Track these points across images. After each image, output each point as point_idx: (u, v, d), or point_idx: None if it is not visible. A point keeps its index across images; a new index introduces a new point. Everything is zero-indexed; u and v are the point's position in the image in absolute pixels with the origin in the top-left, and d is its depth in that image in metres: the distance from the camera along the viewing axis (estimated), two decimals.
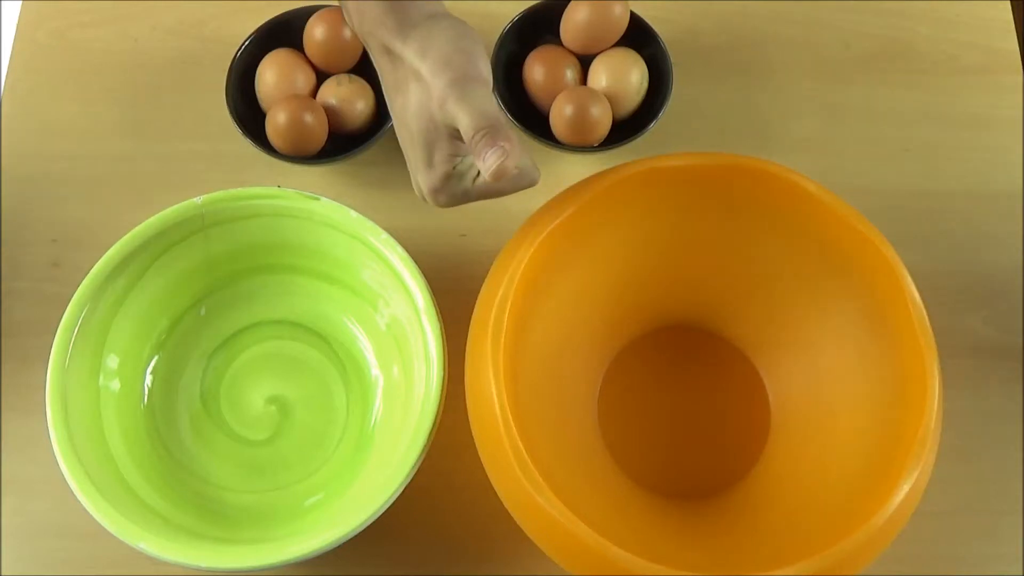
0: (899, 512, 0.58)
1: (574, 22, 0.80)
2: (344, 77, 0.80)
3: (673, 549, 0.64)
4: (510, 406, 0.60)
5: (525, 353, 0.64)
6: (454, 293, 0.70)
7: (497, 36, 0.81)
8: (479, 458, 0.62)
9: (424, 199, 0.65)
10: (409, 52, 0.59)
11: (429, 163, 0.62)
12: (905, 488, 0.58)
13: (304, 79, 0.81)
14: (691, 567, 0.57)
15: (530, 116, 0.80)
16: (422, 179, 0.63)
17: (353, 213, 0.70)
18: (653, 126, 0.79)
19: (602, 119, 0.78)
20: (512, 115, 0.79)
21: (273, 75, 0.80)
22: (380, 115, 0.81)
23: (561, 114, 0.78)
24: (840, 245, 0.66)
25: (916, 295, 0.63)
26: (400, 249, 0.69)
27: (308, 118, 0.77)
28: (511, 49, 0.82)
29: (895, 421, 0.63)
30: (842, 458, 0.66)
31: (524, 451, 0.58)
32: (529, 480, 0.58)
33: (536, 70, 0.81)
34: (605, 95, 0.79)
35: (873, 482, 0.61)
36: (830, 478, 0.66)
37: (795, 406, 0.71)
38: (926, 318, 0.62)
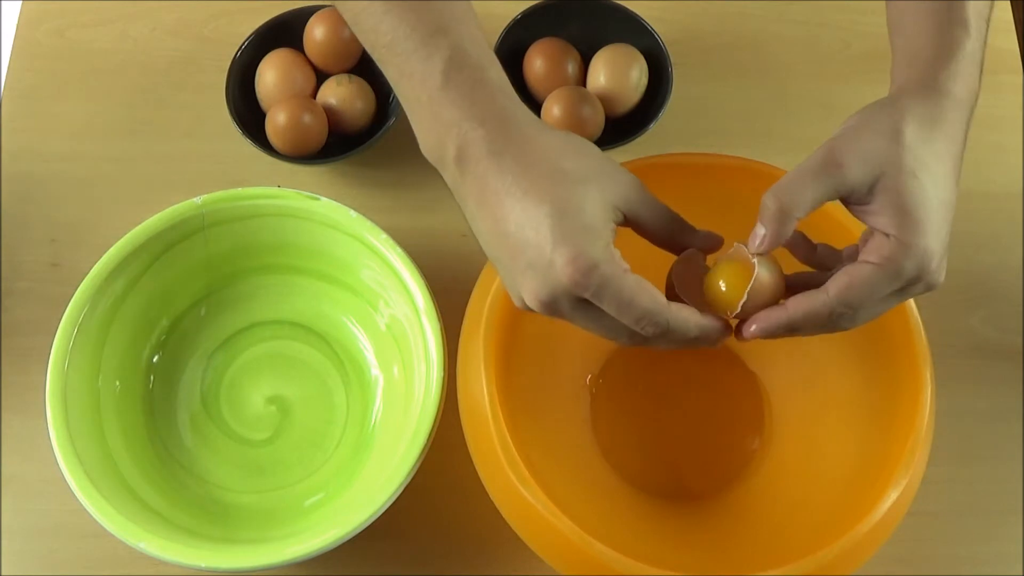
0: (890, 514, 0.58)
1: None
2: (344, 77, 0.80)
3: (664, 549, 0.64)
4: (500, 401, 0.60)
5: (518, 351, 0.64)
6: (454, 293, 0.69)
7: (498, 35, 0.81)
8: None
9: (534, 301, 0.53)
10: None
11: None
12: (895, 492, 0.58)
13: (304, 79, 0.81)
14: (683, 568, 0.57)
15: (531, 109, 0.80)
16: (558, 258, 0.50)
17: (353, 213, 0.70)
18: (653, 126, 0.79)
19: (592, 118, 0.78)
20: None
21: (273, 75, 0.80)
22: (380, 115, 0.80)
23: (551, 114, 0.78)
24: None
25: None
26: (400, 249, 0.69)
27: (308, 118, 0.77)
28: (513, 42, 0.82)
29: (888, 425, 0.63)
30: (835, 460, 0.66)
31: (511, 443, 0.58)
32: (515, 472, 0.58)
33: (536, 63, 0.81)
34: (604, 91, 0.79)
35: (866, 484, 0.61)
36: (823, 480, 0.66)
37: (790, 408, 0.71)
38: (920, 321, 0.62)
